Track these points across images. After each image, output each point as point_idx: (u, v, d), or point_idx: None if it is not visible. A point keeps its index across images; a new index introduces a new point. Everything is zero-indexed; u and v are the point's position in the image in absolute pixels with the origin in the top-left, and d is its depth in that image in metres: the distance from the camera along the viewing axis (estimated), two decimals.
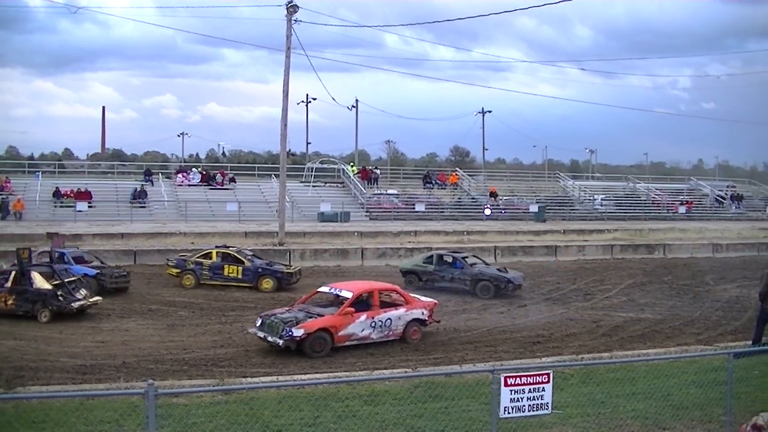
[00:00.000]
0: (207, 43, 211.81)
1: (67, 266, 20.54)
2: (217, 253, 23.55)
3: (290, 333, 14.37)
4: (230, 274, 22.94)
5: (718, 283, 26.22)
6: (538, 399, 7.46)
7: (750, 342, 14.38)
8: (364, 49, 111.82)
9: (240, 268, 22.93)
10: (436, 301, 17.30)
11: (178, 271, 23.24)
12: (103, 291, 20.40)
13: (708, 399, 9.36)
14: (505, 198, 47.01)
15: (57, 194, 37.45)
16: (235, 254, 23.44)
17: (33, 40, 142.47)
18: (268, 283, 22.77)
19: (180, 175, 43.51)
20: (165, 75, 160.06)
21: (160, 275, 24.14)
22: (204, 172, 44.24)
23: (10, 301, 17.44)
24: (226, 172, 45.46)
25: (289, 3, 29.44)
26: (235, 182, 44.06)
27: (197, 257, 23.44)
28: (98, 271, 21.33)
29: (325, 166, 50.03)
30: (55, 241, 23.80)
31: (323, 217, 38.16)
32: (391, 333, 15.71)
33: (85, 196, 37.53)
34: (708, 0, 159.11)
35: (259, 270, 22.99)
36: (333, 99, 59.24)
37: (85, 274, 20.58)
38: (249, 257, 23.57)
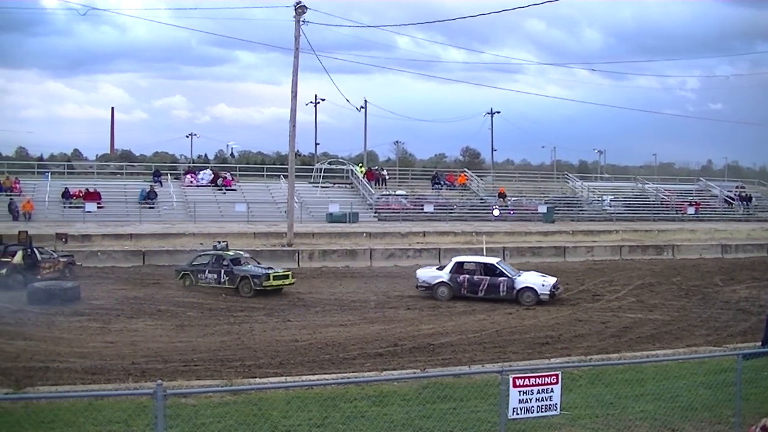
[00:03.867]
0: (221, 44, 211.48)
1: None
2: None
3: None
4: None
5: (727, 284, 26.11)
6: (546, 400, 7.45)
7: (759, 343, 14.31)
8: (375, 50, 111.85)
9: None
10: None
11: None
12: None
13: (717, 400, 9.33)
14: (513, 199, 46.92)
15: (66, 195, 37.59)
16: None
17: (49, 42, 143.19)
18: None
19: (189, 176, 43.65)
20: (176, 77, 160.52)
21: (169, 276, 24.20)
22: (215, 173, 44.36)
23: None
24: (234, 174, 45.47)
25: (298, 4, 29.51)
26: (233, 188, 43.17)
27: None
28: None
29: (334, 166, 50.06)
30: None
31: (332, 218, 38.18)
32: None
33: (94, 196, 37.70)
34: (715, 2, 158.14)
35: None
36: (347, 100, 58.93)
37: None
38: None
